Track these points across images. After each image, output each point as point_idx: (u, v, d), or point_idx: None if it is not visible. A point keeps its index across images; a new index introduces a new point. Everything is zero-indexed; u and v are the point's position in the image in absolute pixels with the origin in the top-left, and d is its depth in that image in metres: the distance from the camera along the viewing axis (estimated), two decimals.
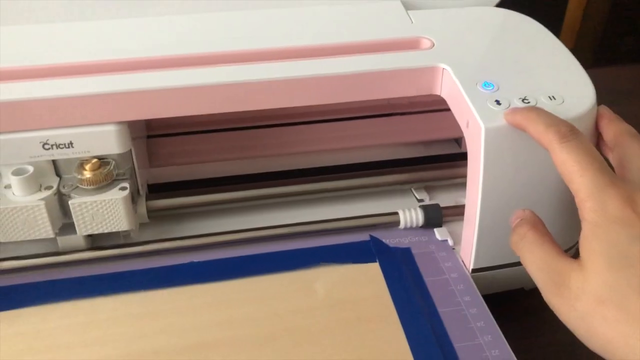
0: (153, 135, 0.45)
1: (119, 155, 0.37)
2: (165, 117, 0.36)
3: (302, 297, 0.35)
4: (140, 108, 0.35)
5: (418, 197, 0.43)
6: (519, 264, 0.36)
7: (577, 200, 0.29)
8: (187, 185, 0.43)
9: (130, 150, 0.37)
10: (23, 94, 0.34)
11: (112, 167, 0.37)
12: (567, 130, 0.30)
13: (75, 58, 0.37)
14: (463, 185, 0.42)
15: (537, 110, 0.32)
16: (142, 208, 0.40)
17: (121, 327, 0.33)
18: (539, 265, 0.29)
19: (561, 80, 0.36)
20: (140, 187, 0.40)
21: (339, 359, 0.32)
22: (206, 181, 0.44)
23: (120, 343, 0.33)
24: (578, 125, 0.32)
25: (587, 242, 0.28)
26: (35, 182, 0.36)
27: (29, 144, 0.35)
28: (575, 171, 0.28)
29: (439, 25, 0.41)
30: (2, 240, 0.36)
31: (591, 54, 0.87)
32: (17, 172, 0.35)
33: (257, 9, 0.42)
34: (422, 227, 0.40)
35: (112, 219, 0.36)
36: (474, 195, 0.34)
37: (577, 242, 0.35)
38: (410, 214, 0.40)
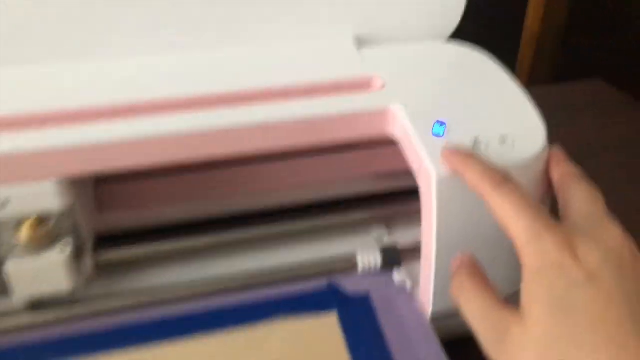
0: (101, 179, 0.43)
1: (60, 211, 0.35)
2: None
3: (255, 357, 0.34)
4: (80, 163, 0.34)
5: (376, 235, 0.42)
6: None
7: (516, 245, 0.28)
8: (135, 234, 0.41)
9: (73, 204, 0.36)
10: None
11: (51, 226, 0.35)
12: (500, 177, 0.30)
13: (7, 107, 0.36)
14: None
15: (472, 158, 0.32)
16: (87, 264, 0.38)
17: None
18: (479, 316, 0.29)
19: (512, 120, 0.35)
20: (85, 240, 0.38)
21: None
22: (155, 229, 0.42)
23: None
24: (530, 167, 0.31)
25: (527, 289, 0.27)
26: None
27: None
28: (512, 216, 0.28)
29: (389, 62, 0.40)
30: None
31: (551, 67, 0.89)
32: None
33: (205, 49, 0.41)
34: (381, 268, 0.39)
35: (54, 281, 0.35)
36: (428, 240, 0.34)
37: None
38: (368, 257, 0.39)
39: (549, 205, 0.35)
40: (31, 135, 0.34)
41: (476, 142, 0.33)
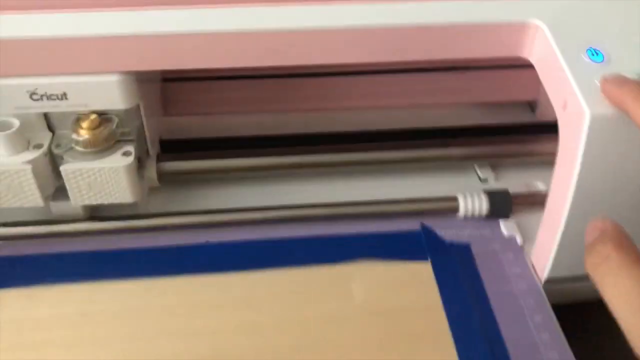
0: (169, 78, 0.38)
1: (124, 111, 0.30)
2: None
3: (336, 300, 0.29)
4: (150, 57, 0.28)
5: (482, 177, 0.36)
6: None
7: None
8: (206, 144, 0.37)
9: (138, 105, 0.31)
10: (6, 30, 0.28)
11: (114, 126, 0.30)
12: None
13: None
14: (536, 164, 0.36)
15: None
16: (152, 171, 0.33)
17: (118, 325, 0.28)
18: (629, 300, 0.22)
19: None
20: (150, 146, 0.33)
21: None
22: (228, 140, 0.37)
23: (115, 345, 0.27)
24: None
25: None
26: (22, 139, 0.29)
27: (14, 93, 0.28)
28: None
29: None
30: None
31: None
32: (1, 127, 0.30)
33: None
34: (485, 217, 0.33)
35: (113, 190, 0.30)
36: (562, 192, 0.28)
37: None
38: (472, 201, 0.33)
39: None
40: (94, 17, 0.28)
41: None
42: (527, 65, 0.30)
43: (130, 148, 0.30)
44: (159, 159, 0.34)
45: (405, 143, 0.35)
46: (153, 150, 0.34)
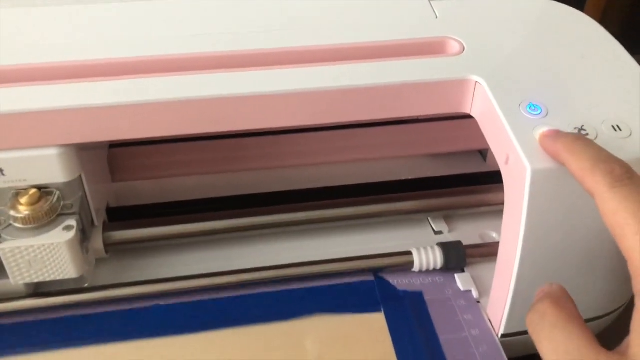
0: (115, 144, 0.37)
1: (65, 183, 0.29)
2: None
3: (291, 357, 0.29)
4: (88, 129, 0.28)
5: (435, 229, 0.36)
6: None
7: (630, 265, 0.22)
8: (155, 209, 0.36)
9: (80, 176, 0.30)
10: None
11: (55, 200, 0.29)
12: (621, 171, 0.23)
13: (8, 57, 0.30)
14: (490, 213, 0.36)
15: (584, 141, 0.24)
16: (98, 242, 0.32)
17: None
18: (562, 357, 0.23)
19: (628, 103, 0.28)
20: (95, 216, 0.32)
21: None
22: (177, 204, 0.36)
23: None
24: None
25: None
26: None
27: None
28: (630, 226, 0.21)
29: (469, 22, 0.33)
30: None
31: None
32: None
33: None
34: (440, 269, 0.33)
35: (56, 266, 0.29)
36: (511, 245, 0.27)
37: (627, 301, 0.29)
38: (426, 255, 0.33)
39: None
40: (30, 90, 0.28)
41: (581, 130, 0.27)
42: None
43: (72, 222, 0.29)
44: (106, 229, 0.33)
45: (357, 200, 0.35)
46: (99, 219, 0.33)
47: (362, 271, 0.33)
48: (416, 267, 0.33)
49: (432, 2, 0.34)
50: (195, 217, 0.35)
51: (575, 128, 0.27)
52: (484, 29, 0.33)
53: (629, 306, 0.30)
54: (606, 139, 0.26)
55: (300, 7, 0.34)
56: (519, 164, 0.26)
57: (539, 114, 0.27)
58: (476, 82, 0.29)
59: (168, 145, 0.38)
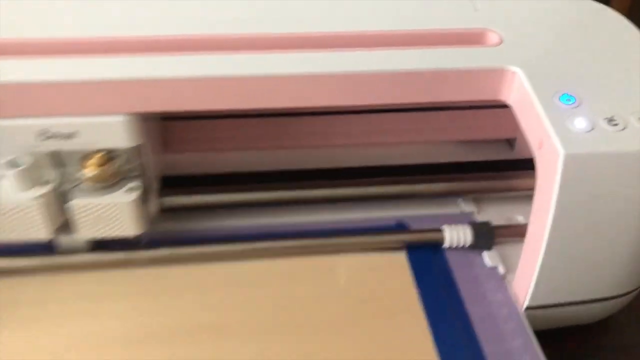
0: (169, 118, 0.40)
1: (129, 149, 0.32)
2: None
3: (322, 282, 0.32)
4: (155, 100, 0.30)
5: (465, 210, 0.38)
6: (579, 302, 0.31)
7: None
8: (204, 179, 0.38)
9: (142, 143, 0.32)
10: (21, 75, 0.29)
11: (120, 164, 0.32)
12: None
13: (84, 33, 0.32)
14: (516, 198, 0.38)
15: None
16: (153, 206, 0.35)
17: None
18: None
19: None
20: (152, 182, 0.35)
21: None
22: (225, 176, 0.38)
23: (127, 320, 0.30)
24: None
25: None
26: (31, 177, 0.31)
27: (26, 133, 0.30)
28: None
29: (508, 16, 0.35)
30: None
31: None
32: (11, 164, 0.31)
33: None
34: (469, 247, 0.35)
35: (119, 224, 0.32)
36: (540, 226, 0.29)
37: None
38: (456, 233, 0.35)
39: None
40: (103, 62, 0.30)
41: (611, 120, 0.28)
42: (506, 106, 0.32)
43: (135, 184, 0.32)
44: (160, 195, 0.35)
45: (393, 178, 0.37)
46: (154, 185, 0.35)
47: (394, 247, 0.35)
48: (446, 244, 0.35)
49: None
50: (239, 187, 0.37)
51: (605, 118, 0.28)
52: (521, 23, 0.35)
53: None
54: (634, 131, 0.28)
55: None
56: (552, 149, 0.28)
57: (573, 103, 0.29)
58: (514, 72, 0.31)
59: (214, 121, 0.40)
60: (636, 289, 0.33)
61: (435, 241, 0.35)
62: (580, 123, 0.28)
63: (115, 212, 0.31)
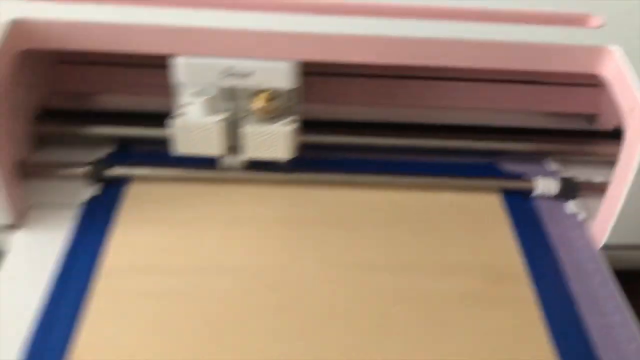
0: (308, 73, 0.47)
1: (290, 90, 0.39)
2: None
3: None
4: (316, 50, 0.38)
5: (553, 169, 0.44)
6: None
7: None
8: (332, 125, 0.46)
9: (300, 87, 0.40)
10: (214, 21, 0.37)
11: (281, 101, 0.39)
12: None
13: None
14: (596, 163, 0.44)
15: None
16: (299, 139, 0.42)
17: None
18: None
19: None
20: (299, 120, 0.43)
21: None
22: (348, 124, 0.45)
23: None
24: None
25: None
26: (213, 105, 0.39)
27: (213, 70, 0.38)
28: None
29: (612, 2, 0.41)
30: (180, 151, 0.39)
31: None
32: (199, 94, 0.39)
33: None
34: (555, 197, 0.41)
35: (277, 148, 0.40)
36: (623, 178, 0.36)
37: None
38: (546, 182, 0.41)
39: None
40: (278, 18, 0.37)
41: None
42: (591, 84, 0.38)
43: (291, 119, 0.40)
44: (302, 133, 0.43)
45: (494, 136, 0.44)
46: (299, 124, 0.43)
47: (490, 190, 0.41)
48: (537, 191, 0.41)
49: None
50: (360, 132, 0.45)
51: None
52: (623, 9, 0.40)
53: None
54: None
55: None
56: None
57: None
58: (614, 50, 0.37)
59: (342, 78, 0.48)
60: None
61: (528, 189, 0.42)
62: None
63: (275, 139, 0.39)
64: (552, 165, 0.45)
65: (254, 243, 0.35)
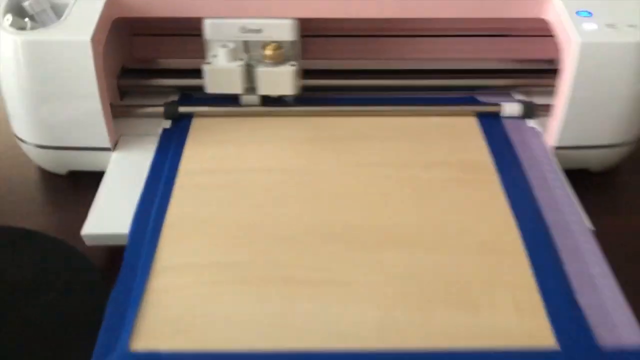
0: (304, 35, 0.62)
1: (291, 42, 0.55)
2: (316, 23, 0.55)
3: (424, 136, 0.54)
4: (310, 9, 0.55)
5: (517, 98, 0.60)
6: (590, 147, 0.54)
7: None
8: (330, 73, 0.62)
9: (298, 40, 0.55)
10: None
11: (285, 50, 0.55)
12: None
13: None
14: (552, 92, 0.60)
15: None
16: (300, 83, 0.58)
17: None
18: None
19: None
20: (300, 67, 0.58)
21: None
22: (342, 72, 0.63)
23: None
24: None
25: None
26: (233, 55, 0.54)
27: (233, 28, 0.54)
28: None
29: None
30: (209, 91, 0.55)
31: None
32: (223, 46, 0.54)
33: None
34: (519, 117, 0.57)
35: (284, 86, 0.56)
36: (565, 91, 0.50)
37: None
38: (511, 106, 0.56)
39: None
40: None
41: (610, 25, 0.51)
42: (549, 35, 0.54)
43: (294, 63, 0.55)
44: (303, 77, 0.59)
45: (468, 75, 0.61)
46: (301, 70, 0.59)
47: (469, 114, 0.58)
48: (504, 113, 0.57)
49: None
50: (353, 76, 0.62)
51: (606, 24, 0.52)
52: None
53: None
54: (623, 32, 0.48)
55: None
56: (573, 40, 0.50)
57: (588, 16, 0.51)
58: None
59: (336, 39, 0.65)
60: (633, 142, 0.54)
61: (497, 112, 0.57)
62: (590, 27, 0.49)
63: (282, 78, 0.55)
64: (518, 96, 0.59)
65: (285, 153, 0.50)
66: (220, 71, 0.54)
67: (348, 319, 0.37)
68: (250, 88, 0.56)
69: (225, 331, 0.36)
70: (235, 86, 0.55)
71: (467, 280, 0.39)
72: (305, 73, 0.59)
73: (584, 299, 0.39)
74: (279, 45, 0.55)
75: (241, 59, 0.55)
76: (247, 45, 0.55)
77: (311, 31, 0.61)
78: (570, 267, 0.41)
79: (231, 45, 0.54)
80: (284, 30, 0.55)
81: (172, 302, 0.37)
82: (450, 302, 0.38)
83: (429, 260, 0.40)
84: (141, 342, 0.35)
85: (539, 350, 0.35)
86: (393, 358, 0.35)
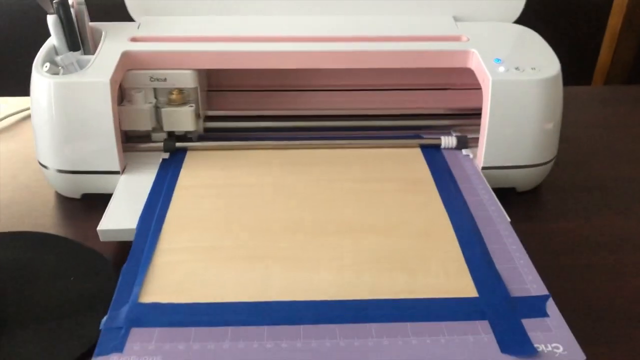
0: (211, 90, 0.67)
1: (191, 88, 0.58)
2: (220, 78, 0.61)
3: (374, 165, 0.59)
4: (208, 62, 0.58)
5: (454, 134, 0.62)
6: (513, 167, 0.58)
7: None
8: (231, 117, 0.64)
9: (197, 87, 0.58)
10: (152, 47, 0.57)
11: (186, 95, 0.58)
12: None
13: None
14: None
15: None
16: (201, 123, 0.61)
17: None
18: None
19: (541, 60, 0.58)
20: (201, 113, 0.61)
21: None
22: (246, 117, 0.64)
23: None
24: (550, 84, 0.57)
25: None
26: (145, 98, 0.57)
27: (144, 77, 0.57)
28: None
29: (474, 30, 0.62)
30: (124, 128, 0.58)
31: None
32: (137, 91, 0.57)
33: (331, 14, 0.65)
34: (454, 148, 0.59)
35: (184, 123, 0.58)
36: (484, 121, 0.55)
37: (553, 158, 0.57)
38: (448, 139, 0.59)
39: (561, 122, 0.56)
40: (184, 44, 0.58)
41: (516, 68, 0.56)
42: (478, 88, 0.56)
43: (193, 105, 0.58)
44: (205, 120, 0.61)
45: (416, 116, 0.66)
46: (202, 112, 0.61)
47: (414, 147, 0.60)
48: (443, 145, 0.59)
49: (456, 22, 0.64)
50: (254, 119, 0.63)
51: (514, 67, 0.55)
52: (480, 33, 0.61)
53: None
54: (528, 72, 0.55)
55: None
56: (488, 79, 0.53)
57: (500, 62, 0.55)
58: (474, 51, 0.57)
59: (240, 93, 0.69)
60: (546, 162, 0.58)
61: (438, 144, 0.61)
62: (502, 69, 0.55)
63: (182, 116, 0.58)
64: (454, 132, 0.62)
65: (265, 173, 0.58)
66: (134, 111, 0.59)
67: (312, 280, 0.45)
68: (160, 127, 0.60)
69: (215, 289, 0.44)
70: (146, 124, 0.60)
71: (408, 255, 0.47)
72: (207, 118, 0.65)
73: (501, 266, 0.46)
74: (180, 90, 0.60)
75: (151, 102, 0.60)
76: (155, 91, 0.60)
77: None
78: (492, 246, 0.48)
79: (142, 90, 0.60)
80: (185, 79, 0.61)
81: (172, 271, 0.45)
82: (393, 269, 0.46)
83: (378, 242, 0.49)
84: (148, 297, 0.43)
85: (463, 298, 0.43)
86: (347, 305, 0.43)
